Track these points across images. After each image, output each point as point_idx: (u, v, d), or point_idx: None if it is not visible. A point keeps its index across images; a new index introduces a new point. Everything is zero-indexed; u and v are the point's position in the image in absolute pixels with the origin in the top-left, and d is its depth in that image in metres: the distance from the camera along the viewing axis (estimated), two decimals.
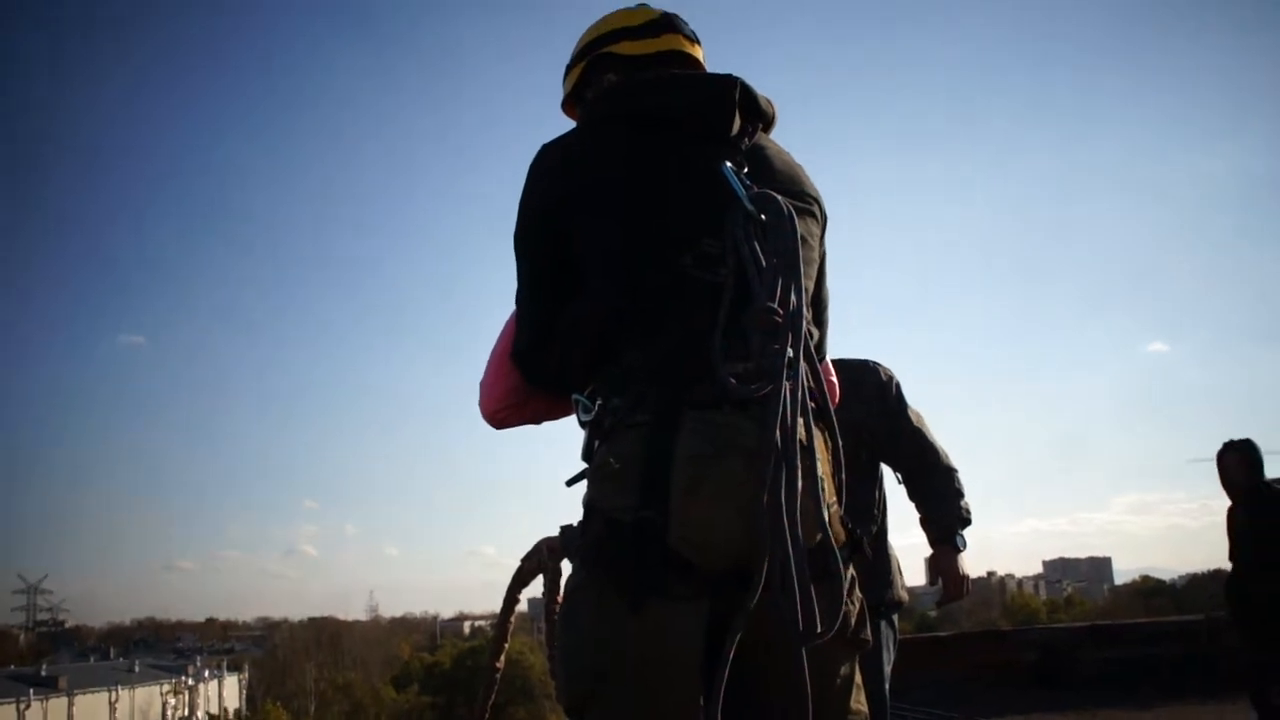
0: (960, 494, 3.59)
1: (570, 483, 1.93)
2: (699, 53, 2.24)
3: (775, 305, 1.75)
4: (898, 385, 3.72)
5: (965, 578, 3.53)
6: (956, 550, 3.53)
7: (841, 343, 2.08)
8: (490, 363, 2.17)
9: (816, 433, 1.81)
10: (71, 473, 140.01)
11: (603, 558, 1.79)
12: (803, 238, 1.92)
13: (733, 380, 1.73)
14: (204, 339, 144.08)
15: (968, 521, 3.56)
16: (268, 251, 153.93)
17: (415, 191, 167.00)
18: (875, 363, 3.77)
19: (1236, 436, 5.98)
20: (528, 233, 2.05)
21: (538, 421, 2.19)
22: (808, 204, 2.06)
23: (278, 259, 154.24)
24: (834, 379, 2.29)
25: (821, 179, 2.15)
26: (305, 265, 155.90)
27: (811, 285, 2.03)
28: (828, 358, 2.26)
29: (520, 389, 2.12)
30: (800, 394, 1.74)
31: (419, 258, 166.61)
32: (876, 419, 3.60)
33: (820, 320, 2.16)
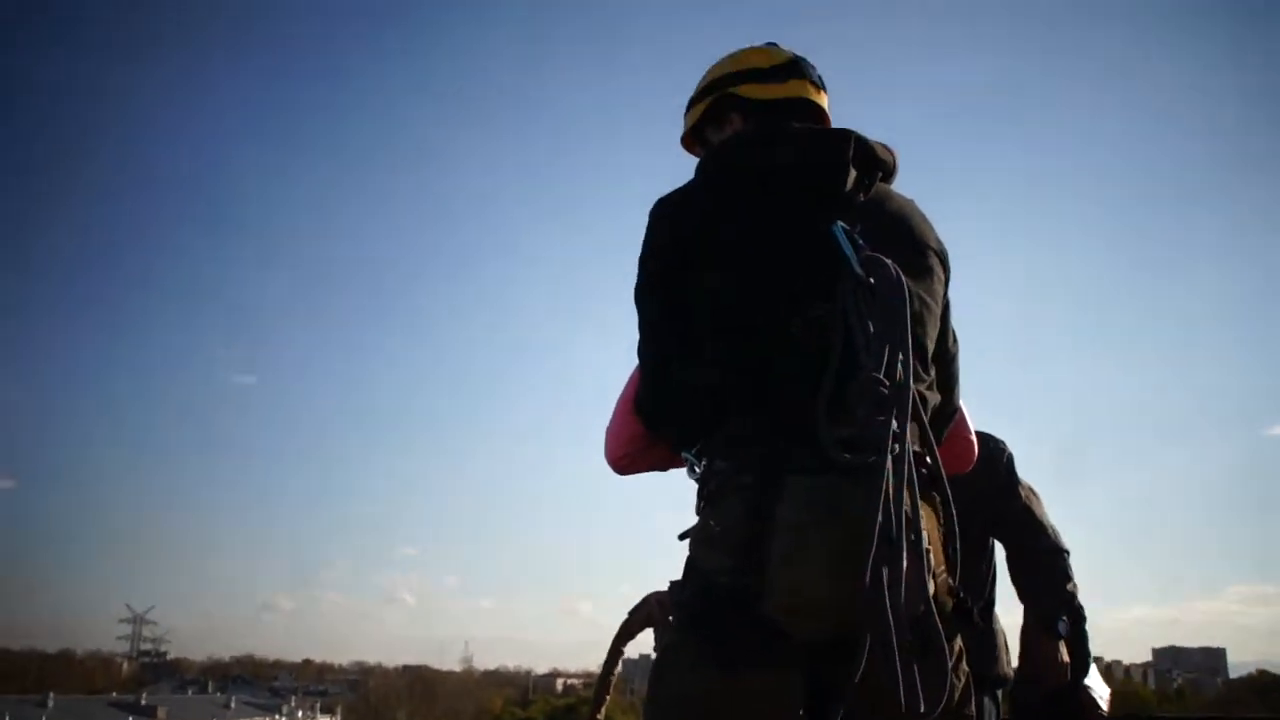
0: (1067, 577, 3.46)
1: (683, 537, 1.91)
2: (824, 100, 2.22)
3: (881, 376, 1.70)
4: (1010, 458, 3.63)
5: (1065, 665, 3.41)
6: (1057, 637, 3.41)
7: None
8: (616, 410, 2.19)
9: (924, 503, 1.76)
10: (181, 509, 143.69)
11: (697, 619, 1.78)
12: (921, 298, 1.90)
13: (839, 448, 1.69)
14: (313, 382, 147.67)
15: (1073, 608, 3.45)
16: (379, 295, 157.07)
17: (534, 229, 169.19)
18: (988, 434, 3.69)
19: None
20: (644, 287, 2.05)
21: (662, 469, 2.19)
22: (926, 258, 2.02)
23: (389, 302, 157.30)
24: (971, 435, 2.28)
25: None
26: (416, 310, 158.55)
27: (931, 345, 2.00)
28: (965, 414, 2.25)
29: (643, 436, 2.12)
30: (906, 466, 1.69)
31: (539, 308, 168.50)
32: (986, 492, 3.52)
33: (947, 375, 2.12)
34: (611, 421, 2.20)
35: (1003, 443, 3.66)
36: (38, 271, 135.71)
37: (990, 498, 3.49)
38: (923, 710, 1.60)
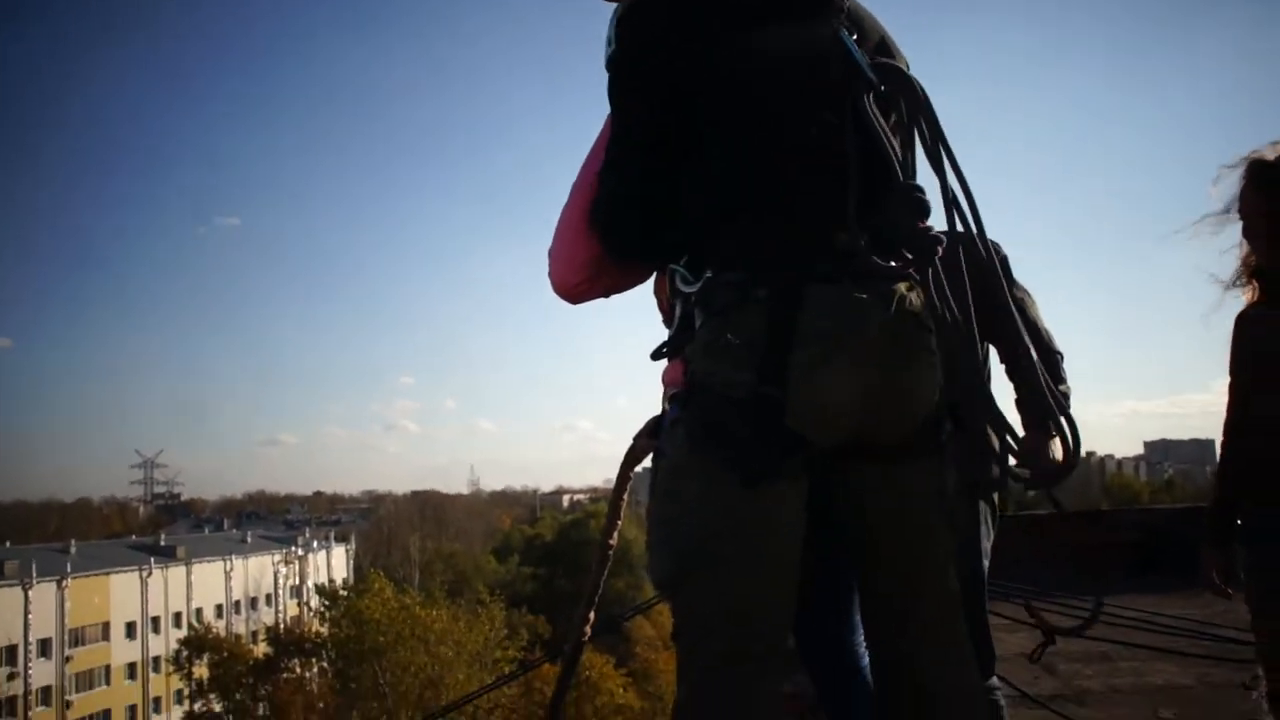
0: (1060, 379, 3.52)
1: (656, 356, 1.90)
2: None
3: (918, 182, 1.72)
4: (1004, 259, 3.62)
5: (1057, 464, 3.49)
6: (1049, 435, 3.48)
7: None
8: (562, 230, 2.03)
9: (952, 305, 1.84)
10: (178, 354, 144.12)
11: (715, 435, 1.75)
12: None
13: (866, 255, 1.71)
14: (298, 217, 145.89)
15: (1066, 407, 3.51)
16: (359, 127, 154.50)
17: (514, 71, 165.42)
18: (991, 239, 3.66)
19: None
20: (629, 83, 1.89)
21: (609, 295, 2.08)
22: (903, 64, 1.96)
23: (368, 135, 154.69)
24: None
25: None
26: (397, 140, 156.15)
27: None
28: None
29: (598, 259, 1.98)
30: (937, 273, 1.76)
31: (513, 131, 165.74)
32: (979, 295, 3.52)
33: None
34: (557, 244, 2.04)
35: (997, 244, 3.64)
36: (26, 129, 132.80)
37: (983, 298, 3.50)
38: (942, 504, 1.78)
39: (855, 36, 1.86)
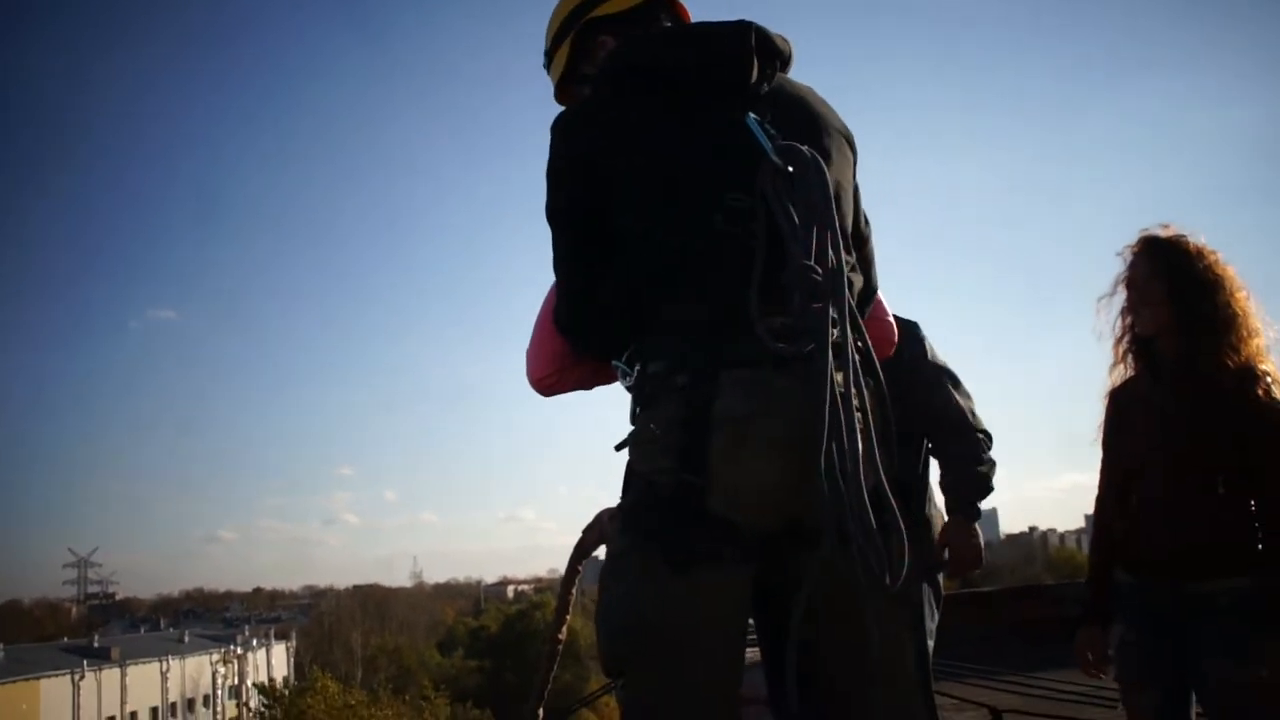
0: (981, 460, 3.49)
1: (619, 448, 1.93)
2: None
3: (813, 263, 1.73)
4: (927, 342, 3.62)
5: (977, 549, 3.43)
6: (971, 520, 3.43)
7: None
8: (535, 329, 2.17)
9: (863, 387, 1.80)
10: (112, 449, 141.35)
11: (644, 522, 1.80)
12: (836, 181, 1.90)
13: (773, 337, 1.71)
14: (233, 310, 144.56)
15: (986, 490, 3.46)
16: (298, 219, 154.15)
17: (457, 159, 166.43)
18: (906, 319, 3.67)
19: None
20: (557, 199, 2.01)
21: (586, 387, 2.18)
22: (834, 141, 2.02)
23: (308, 227, 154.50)
24: (889, 317, 2.29)
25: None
26: (336, 232, 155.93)
27: (848, 226, 2.00)
28: (882, 295, 2.24)
29: (565, 354, 2.11)
30: (849, 352, 1.72)
31: (453, 226, 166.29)
32: (905, 376, 3.52)
33: (865, 258, 2.13)
34: (531, 342, 2.17)
35: (916, 325, 3.67)
36: None
37: (909, 380, 3.49)
38: (887, 583, 1.66)
39: (770, 116, 1.91)
